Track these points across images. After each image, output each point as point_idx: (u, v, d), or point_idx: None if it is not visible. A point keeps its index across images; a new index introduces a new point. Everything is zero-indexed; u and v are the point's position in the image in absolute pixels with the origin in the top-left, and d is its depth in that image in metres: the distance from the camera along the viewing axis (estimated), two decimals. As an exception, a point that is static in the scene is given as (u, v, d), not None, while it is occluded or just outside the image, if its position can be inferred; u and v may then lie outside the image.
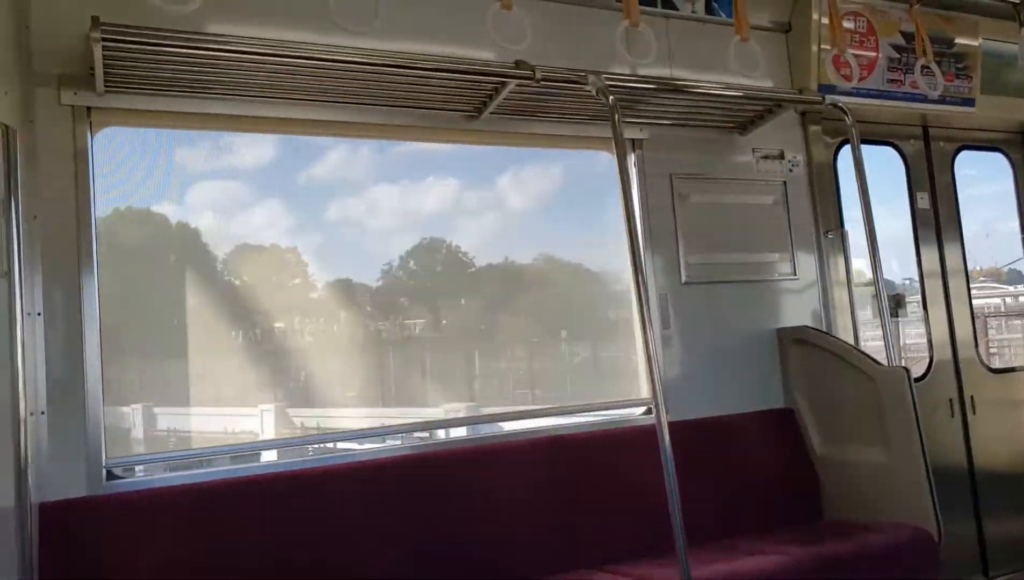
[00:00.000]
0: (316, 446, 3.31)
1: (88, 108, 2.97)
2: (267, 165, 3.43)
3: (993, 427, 4.75)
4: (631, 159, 3.95)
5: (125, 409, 3.03)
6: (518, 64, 3.20)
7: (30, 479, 2.34)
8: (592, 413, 3.82)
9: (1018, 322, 6.51)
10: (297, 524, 2.96)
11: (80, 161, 2.94)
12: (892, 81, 4.36)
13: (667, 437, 2.87)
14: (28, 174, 2.75)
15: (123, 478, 2.93)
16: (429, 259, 3.79)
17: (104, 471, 2.87)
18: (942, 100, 4.51)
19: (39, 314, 2.80)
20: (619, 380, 4.01)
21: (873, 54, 4.32)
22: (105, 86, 2.89)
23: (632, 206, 3.03)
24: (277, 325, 3.39)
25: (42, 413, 2.76)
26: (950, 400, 4.67)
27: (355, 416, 3.53)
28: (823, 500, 3.92)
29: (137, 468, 2.99)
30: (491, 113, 3.52)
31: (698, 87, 3.66)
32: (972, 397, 4.73)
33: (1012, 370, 5.02)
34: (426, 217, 3.71)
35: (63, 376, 2.83)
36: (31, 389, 2.65)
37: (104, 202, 3.02)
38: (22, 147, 2.65)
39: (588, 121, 3.81)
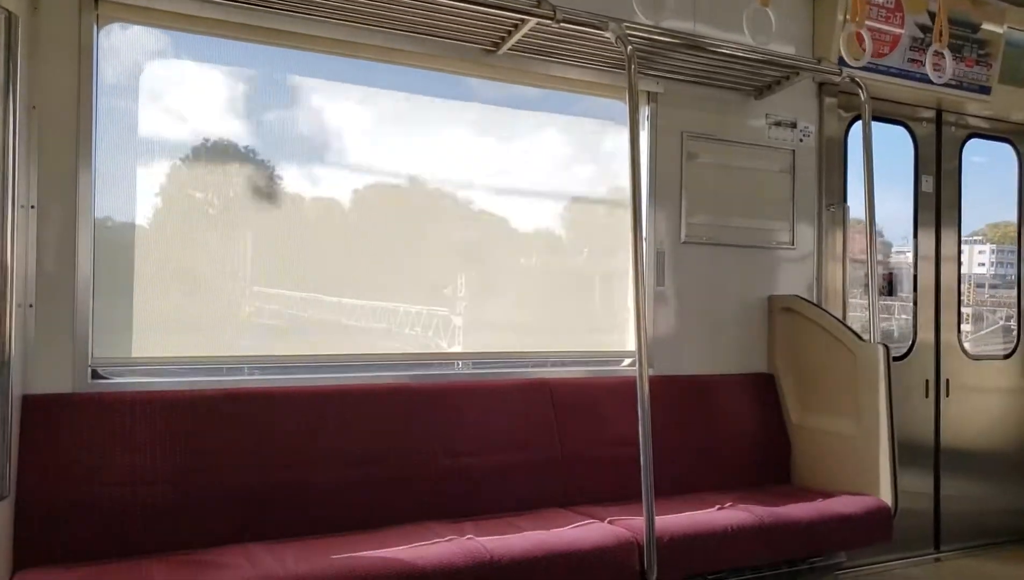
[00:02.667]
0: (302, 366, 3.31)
1: (95, 0, 2.89)
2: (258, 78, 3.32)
3: (963, 410, 4.87)
4: (644, 112, 3.92)
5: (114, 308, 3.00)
6: (540, 3, 3.13)
7: (13, 370, 2.33)
8: (581, 363, 3.85)
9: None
10: (276, 441, 2.99)
11: (84, 53, 2.88)
12: (912, 61, 4.31)
13: (646, 389, 2.91)
14: (29, 63, 2.69)
15: (107, 378, 2.94)
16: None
17: (89, 370, 2.89)
18: (959, 85, 4.46)
19: (33, 207, 2.77)
20: (612, 333, 4.01)
21: (898, 31, 4.25)
22: None
23: (639, 159, 3.00)
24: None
25: (30, 306, 2.75)
26: (926, 381, 4.76)
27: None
28: (793, 465, 4.02)
29: (122, 369, 2.99)
30: (509, 50, 3.46)
31: (719, 46, 3.60)
32: (948, 380, 4.81)
33: (989, 358, 5.10)
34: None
35: (53, 270, 2.82)
36: (20, 281, 2.63)
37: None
38: (25, 35, 2.57)
39: (606, 69, 3.75)
